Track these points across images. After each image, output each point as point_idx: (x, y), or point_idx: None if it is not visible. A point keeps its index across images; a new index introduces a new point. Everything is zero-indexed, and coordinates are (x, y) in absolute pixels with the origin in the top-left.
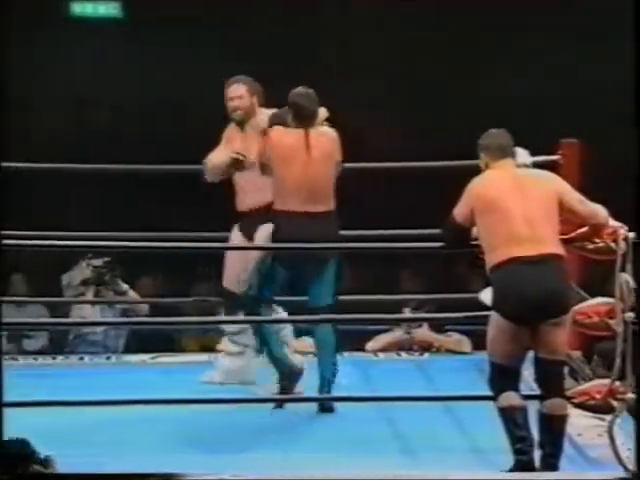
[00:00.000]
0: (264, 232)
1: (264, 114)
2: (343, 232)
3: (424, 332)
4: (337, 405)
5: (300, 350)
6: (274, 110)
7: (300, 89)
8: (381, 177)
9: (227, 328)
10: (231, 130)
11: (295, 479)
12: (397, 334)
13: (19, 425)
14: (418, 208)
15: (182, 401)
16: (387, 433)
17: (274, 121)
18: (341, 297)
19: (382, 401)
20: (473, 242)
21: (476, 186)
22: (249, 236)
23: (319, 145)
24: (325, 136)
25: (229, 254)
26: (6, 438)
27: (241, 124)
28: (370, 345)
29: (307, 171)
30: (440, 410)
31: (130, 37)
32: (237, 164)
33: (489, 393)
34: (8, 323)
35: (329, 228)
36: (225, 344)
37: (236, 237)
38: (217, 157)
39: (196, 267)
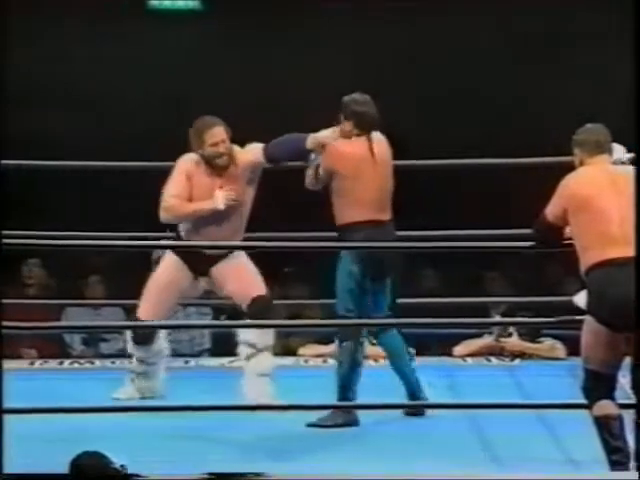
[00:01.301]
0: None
1: (236, 150)
2: (426, 232)
3: (514, 341)
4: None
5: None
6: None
7: (356, 96)
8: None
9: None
10: (195, 168)
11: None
12: (486, 340)
13: (92, 429)
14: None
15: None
16: (475, 441)
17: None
18: (426, 300)
19: (470, 409)
20: (567, 242)
21: (570, 183)
22: (198, 272)
23: (382, 151)
24: (383, 141)
25: (164, 277)
26: (82, 451)
27: (225, 167)
28: (458, 350)
29: (376, 179)
30: (532, 418)
31: (209, 31)
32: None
33: (583, 401)
34: (82, 326)
35: (394, 235)
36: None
37: (175, 269)
38: (187, 204)
39: (282, 266)
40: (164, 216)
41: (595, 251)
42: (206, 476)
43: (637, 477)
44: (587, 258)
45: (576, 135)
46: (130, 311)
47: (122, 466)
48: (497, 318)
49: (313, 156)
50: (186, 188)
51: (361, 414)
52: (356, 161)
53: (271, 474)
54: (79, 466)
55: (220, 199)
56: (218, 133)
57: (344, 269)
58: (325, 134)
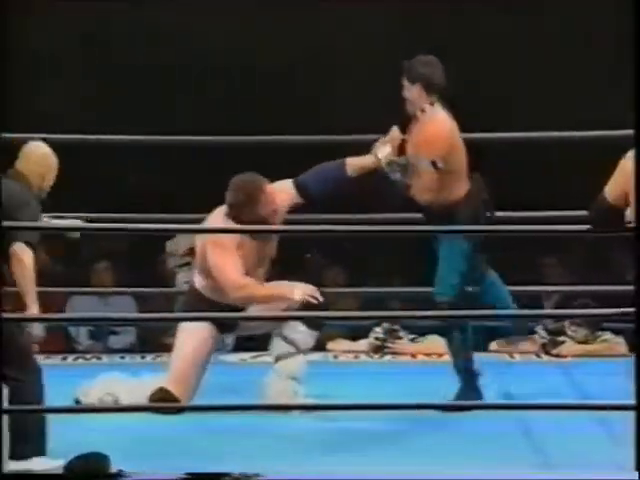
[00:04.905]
0: None
1: None
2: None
3: (569, 347)
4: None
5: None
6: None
7: (421, 57)
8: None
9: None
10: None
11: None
12: (534, 342)
13: (103, 430)
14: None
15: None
16: (526, 446)
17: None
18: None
19: (519, 409)
20: (628, 225)
21: (631, 161)
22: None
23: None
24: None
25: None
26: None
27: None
28: (495, 347)
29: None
30: (589, 421)
31: None
32: None
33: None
34: (88, 319)
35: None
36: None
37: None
38: (262, 287)
39: (303, 253)
40: (237, 295)
41: None
42: (184, 475)
43: (637, 477)
44: None
45: None
46: (140, 300)
47: (120, 471)
48: (549, 310)
49: (396, 174)
50: (242, 263)
51: (400, 414)
52: (456, 139)
53: (264, 474)
54: (72, 471)
55: (299, 294)
56: (270, 191)
57: (456, 248)
58: (364, 158)
